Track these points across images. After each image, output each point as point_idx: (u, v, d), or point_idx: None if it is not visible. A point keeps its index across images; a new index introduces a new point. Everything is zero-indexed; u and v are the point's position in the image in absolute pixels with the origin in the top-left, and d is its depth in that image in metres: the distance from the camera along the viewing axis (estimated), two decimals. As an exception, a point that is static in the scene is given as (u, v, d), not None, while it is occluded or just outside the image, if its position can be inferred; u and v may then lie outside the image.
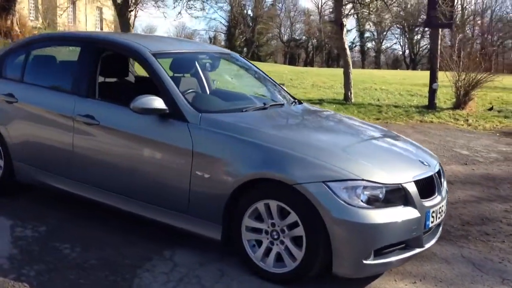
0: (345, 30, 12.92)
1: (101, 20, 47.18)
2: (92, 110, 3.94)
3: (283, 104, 4.38)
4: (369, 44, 60.93)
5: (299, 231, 3.12)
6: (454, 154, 7.46)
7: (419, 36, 57.13)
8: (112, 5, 19.41)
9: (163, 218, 3.66)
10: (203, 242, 3.62)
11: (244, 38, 57.29)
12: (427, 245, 3.38)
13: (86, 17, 45.39)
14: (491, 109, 12.24)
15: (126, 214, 3.90)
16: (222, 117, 3.66)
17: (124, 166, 3.81)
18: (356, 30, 57.22)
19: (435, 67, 12.08)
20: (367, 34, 59.49)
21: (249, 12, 59.31)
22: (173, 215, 3.60)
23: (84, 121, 3.94)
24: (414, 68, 52.11)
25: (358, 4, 13.21)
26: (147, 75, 4.05)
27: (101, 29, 46.26)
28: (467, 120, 10.80)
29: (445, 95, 13.56)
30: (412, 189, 3.20)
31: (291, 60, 58.24)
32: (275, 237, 3.25)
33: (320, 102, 12.15)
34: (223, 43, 55.75)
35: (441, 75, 12.15)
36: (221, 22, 61.91)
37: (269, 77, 5.00)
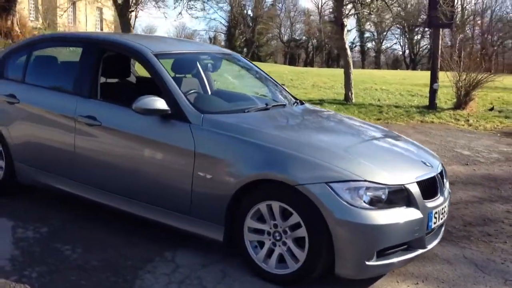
0: (345, 30, 12.91)
1: (101, 21, 47.17)
2: (94, 111, 3.94)
3: (285, 105, 4.37)
4: (369, 44, 60.97)
5: (302, 232, 3.11)
6: (455, 155, 7.45)
7: (419, 36, 57.20)
8: (112, 5, 19.40)
9: (165, 219, 3.66)
10: (205, 243, 3.62)
11: (244, 38, 57.27)
12: (430, 246, 3.37)
13: (86, 17, 45.38)
14: (491, 109, 12.23)
15: (128, 215, 3.90)
16: (224, 118, 3.65)
17: (126, 167, 3.81)
18: (356, 30, 57.26)
19: (436, 67, 12.07)
20: (367, 34, 59.52)
21: (249, 12, 59.32)
22: (175, 216, 3.59)
23: (86, 122, 3.93)
24: (414, 68, 52.09)
25: (359, 4, 13.20)
26: (149, 76, 4.05)
27: (101, 29, 46.25)
28: (468, 120, 10.79)
29: (446, 95, 13.55)
30: (415, 190, 3.20)
31: (291, 60, 58.22)
32: (277, 238, 3.24)
33: (321, 102, 12.14)
34: (223, 43, 55.73)
35: (441, 75, 12.14)
36: (221, 23, 61.95)
37: (271, 78, 4.99)
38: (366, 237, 3.01)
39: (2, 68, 4.72)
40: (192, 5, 16.90)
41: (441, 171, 3.66)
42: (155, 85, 3.84)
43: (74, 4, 30.38)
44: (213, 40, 56.09)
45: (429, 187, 3.36)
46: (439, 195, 3.44)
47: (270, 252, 3.29)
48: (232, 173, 3.32)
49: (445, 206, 3.50)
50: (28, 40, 4.95)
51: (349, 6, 13.06)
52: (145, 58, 3.89)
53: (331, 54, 59.85)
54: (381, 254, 3.08)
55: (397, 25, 50.33)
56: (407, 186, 3.18)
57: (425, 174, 3.38)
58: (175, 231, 3.69)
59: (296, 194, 3.09)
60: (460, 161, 7.07)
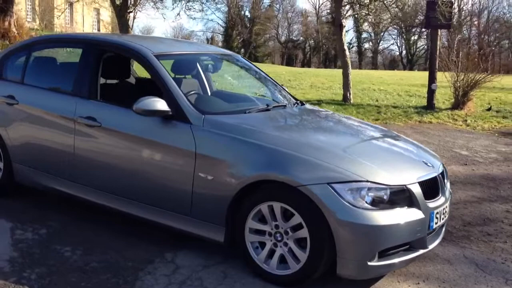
0: (344, 31, 12.92)
1: (98, 21, 47.13)
2: (94, 112, 3.92)
3: (285, 105, 4.37)
4: (366, 45, 61.04)
5: (303, 232, 3.11)
6: (453, 155, 7.46)
7: (416, 37, 57.28)
8: (110, 6, 19.38)
9: (165, 221, 3.65)
10: (205, 244, 3.61)
11: (242, 39, 57.26)
12: (431, 246, 3.37)
13: (83, 18, 45.34)
14: (489, 109, 12.25)
15: (128, 217, 3.88)
16: (225, 118, 3.64)
17: (126, 168, 3.79)
18: (354, 31, 57.30)
19: (434, 68, 12.07)
20: (364, 35, 59.58)
21: (247, 13, 59.37)
22: (176, 217, 3.58)
23: (85, 123, 3.92)
24: (411, 69, 52.17)
25: (358, 6, 13.20)
26: (148, 77, 4.03)
27: (98, 30, 46.21)
28: (466, 120, 10.80)
29: (444, 95, 13.56)
30: (417, 190, 3.19)
31: (289, 61, 58.23)
32: (279, 239, 3.23)
33: (319, 102, 12.14)
34: (220, 44, 55.68)
35: (439, 75, 12.15)
36: (218, 23, 61.80)
37: (271, 78, 4.98)
38: (368, 238, 3.01)
39: (1, 69, 4.70)
40: (191, 6, 16.87)
41: (442, 172, 3.66)
42: (155, 86, 3.83)
43: (71, 5, 30.37)
44: (211, 41, 56.09)
45: (431, 188, 3.35)
46: (440, 195, 3.44)
47: (271, 253, 3.28)
48: (233, 174, 3.31)
49: (446, 206, 3.50)
50: (27, 41, 4.93)
51: (347, 7, 13.07)
52: (146, 59, 3.88)
53: (328, 55, 59.89)
54: (383, 255, 3.08)
55: (394, 26, 50.37)
56: (409, 186, 3.18)
57: (427, 174, 3.38)
58: (176, 232, 3.68)
59: (298, 195, 3.08)
60: (458, 161, 7.08)
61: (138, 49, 3.99)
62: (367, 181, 3.07)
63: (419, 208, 3.18)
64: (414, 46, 58.23)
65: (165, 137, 3.59)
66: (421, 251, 3.28)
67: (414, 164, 3.54)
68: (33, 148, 4.32)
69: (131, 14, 15.50)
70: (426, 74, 12.55)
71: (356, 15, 14.56)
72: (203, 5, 17.77)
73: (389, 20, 19.00)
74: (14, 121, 4.42)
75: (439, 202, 3.39)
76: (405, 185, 3.17)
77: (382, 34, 58.80)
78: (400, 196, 3.15)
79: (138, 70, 5.38)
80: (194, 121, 3.54)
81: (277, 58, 60.97)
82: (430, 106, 11.96)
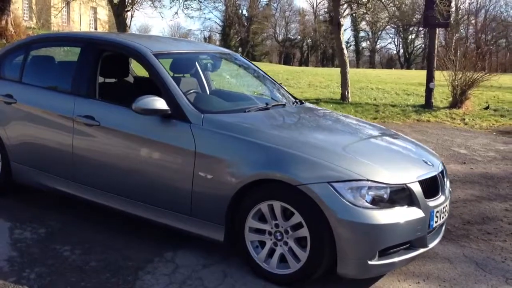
0: (342, 29, 12.91)
1: (95, 20, 47.03)
2: (92, 111, 3.91)
3: (284, 104, 4.35)
4: (363, 44, 61.06)
5: (303, 232, 3.10)
6: (452, 153, 7.46)
7: (413, 36, 57.34)
8: (107, 5, 19.33)
9: (165, 220, 3.64)
10: (205, 243, 3.60)
11: (239, 38, 57.23)
12: (431, 245, 3.37)
13: (80, 17, 45.23)
14: (487, 108, 12.26)
15: (126, 216, 3.87)
16: (225, 117, 3.63)
17: (125, 167, 3.78)
18: (351, 30, 57.31)
19: (432, 67, 12.08)
20: (361, 34, 59.59)
21: (244, 12, 59.32)
22: (175, 216, 3.57)
23: (84, 122, 3.90)
24: (408, 68, 52.20)
25: (356, 4, 13.19)
26: (147, 75, 4.01)
27: (96, 29, 46.10)
28: (464, 119, 10.81)
29: (441, 94, 13.57)
30: (417, 189, 3.19)
31: (286, 59, 58.22)
32: (279, 238, 3.23)
33: (317, 101, 12.12)
34: (218, 43, 55.62)
35: (437, 74, 12.16)
36: (216, 22, 61.93)
37: (270, 77, 4.97)
38: (369, 237, 3.00)
39: (-1, 68, 4.68)
40: (188, 4, 16.84)
41: (442, 170, 3.65)
42: (153, 85, 3.82)
43: (68, 3, 30.28)
44: (208, 40, 56.01)
45: (431, 186, 3.35)
46: (440, 194, 3.44)
47: (272, 252, 3.27)
48: (233, 173, 3.30)
49: (446, 205, 3.50)
50: (25, 40, 4.91)
51: (345, 5, 13.06)
52: (145, 58, 3.86)
53: (325, 54, 59.92)
54: (383, 254, 3.08)
55: (392, 25, 50.41)
56: (409, 185, 3.17)
57: (427, 173, 3.38)
58: (176, 232, 3.66)
59: (298, 194, 3.07)
60: (457, 159, 7.08)
61: (137, 48, 3.98)
62: (368, 180, 3.06)
63: (419, 207, 3.18)
64: (412, 45, 58.34)
65: (165, 136, 3.58)
66: (422, 250, 3.28)
67: (414, 163, 3.54)
68: (31, 147, 4.31)
69: (129, 13, 15.46)
70: (423, 73, 12.56)
71: (354, 14, 14.54)
72: (201, 3, 17.74)
73: (387, 19, 18.99)
74: (12, 120, 4.40)
75: (439, 201, 3.39)
76: (405, 184, 3.17)
77: (379, 33, 58.87)
78: (400, 195, 3.14)
79: (137, 69, 5.37)
80: (193, 120, 3.53)
81: (275, 57, 60.96)
82: (428, 105, 11.97)
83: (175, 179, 3.54)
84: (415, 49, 58.27)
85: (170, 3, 16.69)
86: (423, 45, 54.97)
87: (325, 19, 55.50)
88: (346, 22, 12.82)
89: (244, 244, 3.34)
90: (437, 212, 3.34)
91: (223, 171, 3.33)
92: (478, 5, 53.43)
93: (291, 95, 4.77)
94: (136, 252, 3.64)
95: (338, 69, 13.47)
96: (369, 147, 3.67)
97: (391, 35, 60.50)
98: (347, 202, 2.98)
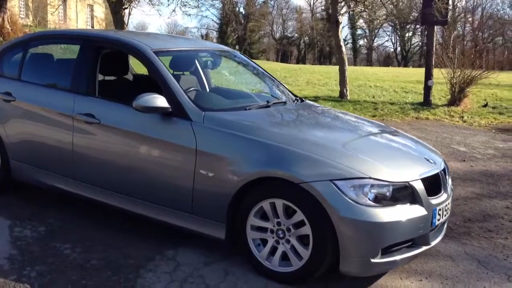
0: (340, 27, 12.89)
1: (92, 18, 46.90)
2: (92, 109, 3.88)
3: (285, 102, 4.34)
4: (361, 42, 61.04)
5: (306, 230, 3.09)
6: (451, 151, 7.46)
7: (410, 34, 57.35)
8: (103, 2, 19.26)
9: (166, 218, 3.62)
10: (206, 241, 3.58)
11: (236, 35, 57.15)
12: (433, 243, 3.36)
13: (77, 14, 45.12)
14: (485, 105, 12.27)
15: (127, 214, 3.85)
16: (226, 115, 3.62)
17: (125, 165, 3.76)
18: (348, 27, 57.28)
19: (430, 64, 12.08)
20: (359, 32, 59.58)
21: (241, 9, 59.21)
22: (176, 214, 3.55)
23: (84, 120, 3.88)
24: (405, 65, 52.20)
25: (354, 2, 13.17)
26: (146, 73, 3.99)
27: (92, 26, 45.97)
28: (462, 116, 10.82)
29: (440, 92, 13.58)
30: (419, 187, 3.18)
31: (283, 57, 58.17)
32: (281, 236, 3.21)
33: (316, 99, 12.10)
34: (215, 40, 55.47)
35: (435, 72, 12.16)
36: (213, 20, 61.69)
37: (269, 74, 4.95)
38: (371, 235, 2.99)
39: (-2, 65, 4.65)
40: (186, 2, 16.75)
41: (444, 168, 3.64)
42: (153, 83, 3.80)
43: (64, 1, 30.17)
44: (205, 38, 55.85)
45: (433, 184, 3.34)
46: (442, 191, 3.43)
47: (273, 250, 3.26)
48: (234, 171, 3.28)
49: (448, 203, 3.49)
50: (24, 37, 4.88)
51: (343, 3, 13.04)
52: (145, 55, 3.84)
53: (323, 52, 59.87)
54: (386, 251, 3.06)
55: (389, 23, 50.39)
56: (412, 183, 3.16)
57: (429, 170, 3.37)
58: (177, 230, 3.65)
59: (300, 192, 3.06)
60: (457, 157, 7.08)
61: (137, 45, 3.95)
62: (370, 177, 3.05)
63: (422, 205, 3.17)
64: (409, 43, 58.33)
65: (165, 134, 3.56)
66: (424, 248, 3.26)
67: (416, 160, 3.53)
68: (31, 145, 4.28)
69: (126, 10, 15.39)
70: (421, 70, 12.56)
71: (352, 12, 14.52)
72: (198, 1, 17.66)
73: (384, 16, 18.97)
74: (11, 118, 4.38)
75: (442, 199, 3.38)
76: (407, 181, 3.16)
77: (376, 30, 58.85)
78: (402, 193, 3.13)
79: (136, 66, 5.34)
80: (194, 118, 3.51)
81: (272, 54, 60.89)
82: (426, 103, 11.97)
83: (176, 177, 3.52)
84: (412, 47, 58.29)
85: (168, 0, 16.60)
86: (420, 43, 55.01)
87: (322, 17, 55.50)
88: (343, 20, 12.76)
89: (245, 242, 3.33)
90: (440, 210, 3.33)
91: (225, 169, 3.32)
92: (475, 3, 53.46)
93: (291, 92, 4.75)
94: (137, 250, 3.62)
95: (336, 67, 13.46)
96: (372, 145, 3.66)
97: (388, 33, 60.57)
98: (349, 200, 2.97)
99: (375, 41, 61.14)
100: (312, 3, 59.67)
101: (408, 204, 3.13)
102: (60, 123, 4.05)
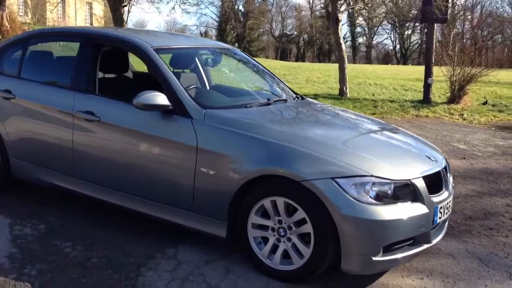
0: (340, 25, 12.88)
1: (91, 15, 46.86)
2: (92, 106, 3.87)
3: (286, 100, 4.32)
4: (360, 39, 61.02)
5: (307, 228, 3.08)
6: (451, 149, 7.45)
7: (409, 31, 57.32)
8: (102, 0, 19.19)
9: (167, 216, 3.61)
10: (207, 239, 3.57)
11: (236, 33, 57.09)
12: (435, 241, 3.35)
13: (75, 12, 45.07)
14: (485, 103, 12.27)
15: (127, 212, 3.84)
16: (227, 113, 3.60)
17: (125, 163, 3.75)
18: (348, 25, 57.24)
19: (430, 62, 12.06)
20: (358, 29, 59.55)
21: (240, 7, 59.18)
22: (177, 212, 3.54)
23: (84, 118, 3.87)
24: (404, 63, 52.18)
25: (353, 0, 13.15)
26: (146, 71, 3.98)
27: (91, 24, 45.93)
28: (462, 114, 10.81)
29: (440, 89, 13.57)
30: (421, 184, 3.17)
31: (283, 55, 58.13)
32: (282, 234, 3.21)
33: (316, 97, 12.08)
34: (214, 38, 55.43)
35: (435, 70, 12.15)
36: (212, 18, 61.80)
37: (270, 72, 4.93)
38: (373, 233, 2.98)
39: (-2, 63, 4.63)
40: (186, 0, 16.70)
41: (445, 166, 3.64)
42: (153, 80, 3.79)
43: (63, -1, 30.09)
44: (204, 35, 55.82)
45: (435, 182, 3.33)
46: (444, 189, 3.42)
47: (275, 248, 3.25)
48: (235, 169, 3.27)
49: (449, 201, 3.48)
50: (24, 35, 4.86)
51: (342, 1, 13.02)
52: (145, 52, 3.83)
53: (322, 49, 59.85)
54: (387, 250, 3.06)
55: (388, 20, 50.38)
56: (413, 181, 3.15)
57: (431, 168, 3.36)
58: (177, 228, 3.64)
59: (301, 190, 3.05)
60: (457, 155, 7.07)
61: (138, 42, 3.94)
62: (372, 175, 3.04)
63: (423, 203, 3.16)
64: (408, 41, 58.29)
65: (166, 131, 3.55)
66: (425, 246, 3.26)
67: (417, 158, 3.52)
68: (31, 143, 4.27)
69: (126, 8, 15.35)
70: (420, 68, 12.56)
71: (351, 9, 14.50)
72: (198, -1, 17.61)
73: (384, 14, 18.96)
74: (11, 116, 4.37)
75: (443, 197, 3.37)
76: (409, 179, 3.15)
77: (376, 28, 58.83)
78: (404, 191, 3.12)
79: (135, 64, 5.33)
80: (195, 116, 3.49)
81: (271, 52, 60.84)
82: (426, 100, 11.97)
83: (177, 175, 3.51)
84: (411, 44, 58.27)
85: (167, -2, 16.53)
86: (419, 41, 55.00)
87: (321, 15, 55.47)
88: (342, 18, 12.76)
89: (246, 240, 3.32)
90: (441, 207, 3.32)
91: (226, 167, 3.31)
92: (474, 1, 53.43)
93: (291, 90, 4.74)
94: (138, 248, 3.61)
95: (335, 65, 13.46)
96: (372, 143, 3.65)
97: (387, 31, 60.62)
98: (351, 198, 2.96)
99: (374, 39, 61.19)
100: (311, 1, 59.70)
101: (410, 202, 3.12)
102: (60, 121, 4.03)
